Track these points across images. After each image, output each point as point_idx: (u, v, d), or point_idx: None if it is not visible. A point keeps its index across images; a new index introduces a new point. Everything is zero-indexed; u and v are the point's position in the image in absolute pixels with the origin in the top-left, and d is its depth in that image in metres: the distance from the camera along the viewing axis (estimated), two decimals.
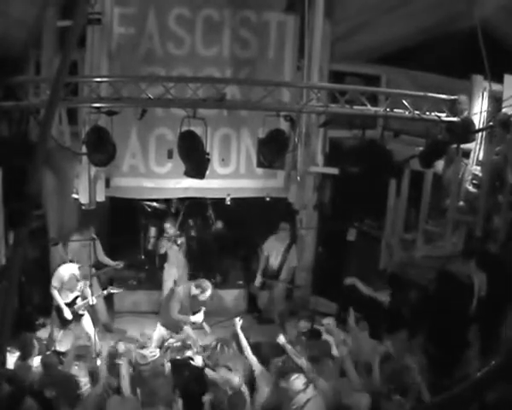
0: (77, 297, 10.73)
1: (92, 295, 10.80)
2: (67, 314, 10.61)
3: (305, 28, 11.23)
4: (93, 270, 11.48)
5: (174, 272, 12.41)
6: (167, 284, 12.35)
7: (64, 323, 10.70)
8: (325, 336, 10.33)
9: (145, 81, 9.53)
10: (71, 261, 11.00)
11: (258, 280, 12.57)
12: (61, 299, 10.62)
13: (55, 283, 10.61)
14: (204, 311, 10.78)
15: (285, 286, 12.57)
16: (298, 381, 8.20)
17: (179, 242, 12.45)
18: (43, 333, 11.01)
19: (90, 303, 10.84)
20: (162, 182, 11.97)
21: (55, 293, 10.61)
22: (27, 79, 10.17)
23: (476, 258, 10.07)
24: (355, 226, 12.46)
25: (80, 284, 10.75)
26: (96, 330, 10.96)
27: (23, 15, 10.40)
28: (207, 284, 10.63)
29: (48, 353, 9.63)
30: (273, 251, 12.48)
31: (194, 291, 10.59)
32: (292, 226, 12.72)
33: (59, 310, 10.65)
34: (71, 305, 10.68)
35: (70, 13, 9.85)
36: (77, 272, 10.70)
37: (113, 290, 11.39)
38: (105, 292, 11.22)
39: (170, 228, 12.43)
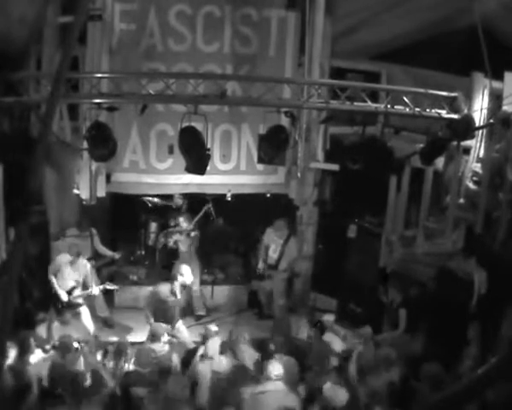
0: (74, 288, 10.72)
1: (92, 286, 10.87)
2: (64, 296, 10.61)
3: (306, 25, 11.25)
4: (92, 262, 11.54)
5: (185, 267, 12.41)
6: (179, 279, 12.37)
7: (60, 312, 10.71)
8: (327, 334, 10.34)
9: (146, 77, 9.56)
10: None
11: (260, 266, 12.55)
12: (56, 283, 10.63)
13: (52, 269, 10.69)
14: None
15: (285, 277, 12.53)
16: (273, 367, 8.27)
17: (193, 234, 12.45)
18: (42, 329, 11.02)
19: (90, 294, 10.87)
20: (163, 177, 11.99)
21: (53, 278, 10.64)
22: (28, 75, 10.15)
23: (476, 255, 10.08)
24: (355, 223, 12.45)
25: (77, 275, 10.76)
26: (96, 326, 11.01)
27: (24, 11, 10.39)
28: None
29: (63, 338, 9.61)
30: (272, 243, 12.47)
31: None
32: (291, 222, 12.73)
33: (56, 298, 10.67)
34: (69, 294, 10.67)
35: (71, 9, 9.83)
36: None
37: (110, 287, 11.36)
38: (101, 287, 11.20)
39: (183, 222, 12.43)
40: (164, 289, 10.76)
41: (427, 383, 8.33)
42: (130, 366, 9.10)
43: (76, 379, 8.12)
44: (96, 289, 10.92)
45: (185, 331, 10.99)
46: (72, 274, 10.71)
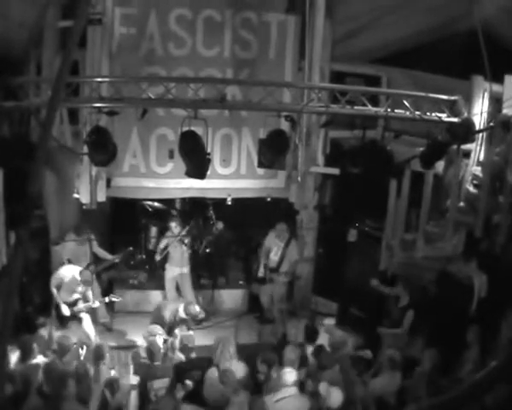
0: (78, 299, 10.75)
1: (93, 299, 10.93)
2: (65, 311, 10.66)
3: (306, 29, 11.25)
4: (92, 267, 11.55)
5: (176, 271, 12.41)
6: (169, 284, 12.40)
7: (62, 322, 10.71)
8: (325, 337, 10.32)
9: (146, 81, 9.55)
10: (69, 261, 11.08)
11: (260, 271, 12.58)
12: (59, 297, 10.67)
13: (54, 281, 10.67)
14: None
15: (286, 280, 12.53)
16: (289, 375, 8.39)
17: (186, 241, 12.43)
18: (43, 332, 11.02)
19: (93, 307, 10.93)
20: (163, 182, 11.99)
21: (54, 291, 10.67)
22: (28, 80, 10.18)
23: (476, 259, 10.08)
24: (355, 227, 12.46)
25: (81, 288, 10.77)
26: (96, 330, 11.02)
27: (24, 15, 10.40)
28: (197, 309, 10.67)
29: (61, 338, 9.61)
30: (273, 247, 12.49)
31: (182, 315, 10.63)
32: (292, 226, 12.74)
33: (58, 308, 10.68)
34: (71, 306, 10.71)
35: (71, 13, 9.86)
36: (77, 275, 10.72)
37: (114, 298, 11.41)
38: (106, 299, 11.26)
39: (175, 227, 12.41)
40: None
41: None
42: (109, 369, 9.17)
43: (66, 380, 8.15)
44: (98, 303, 10.98)
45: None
46: (76, 287, 10.74)
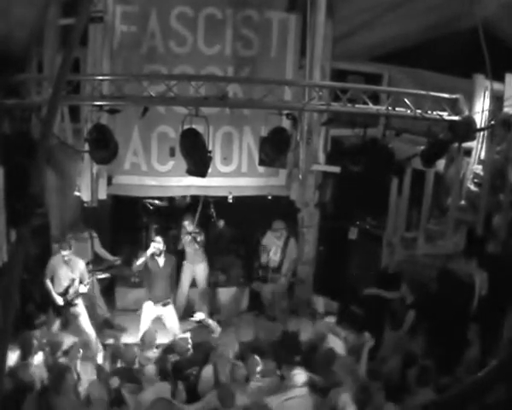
0: (69, 287, 10.75)
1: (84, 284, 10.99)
2: (59, 300, 10.69)
3: (307, 26, 11.24)
4: (90, 266, 11.59)
5: (192, 269, 12.45)
6: (184, 282, 12.47)
7: (58, 312, 10.79)
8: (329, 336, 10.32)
9: (147, 79, 9.54)
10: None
11: (263, 268, 12.69)
12: (51, 287, 10.72)
13: (47, 273, 10.75)
14: None
15: (287, 280, 12.58)
16: (298, 377, 8.36)
17: (199, 239, 12.44)
18: (43, 330, 11.03)
19: (80, 291, 10.89)
20: (164, 180, 11.99)
21: (48, 282, 10.73)
22: (29, 77, 10.18)
23: (477, 257, 10.08)
24: (356, 225, 12.47)
25: (72, 273, 10.83)
26: (97, 327, 11.04)
27: (25, 13, 10.40)
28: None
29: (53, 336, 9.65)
30: (272, 246, 12.54)
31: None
32: (292, 224, 12.76)
33: (53, 302, 10.74)
34: (63, 294, 10.74)
35: (72, 11, 9.85)
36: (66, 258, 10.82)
37: (100, 276, 11.43)
38: (92, 279, 11.30)
39: (189, 225, 12.44)
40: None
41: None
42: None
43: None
44: (84, 287, 10.96)
45: (175, 318, 11.32)
46: (68, 273, 10.75)
